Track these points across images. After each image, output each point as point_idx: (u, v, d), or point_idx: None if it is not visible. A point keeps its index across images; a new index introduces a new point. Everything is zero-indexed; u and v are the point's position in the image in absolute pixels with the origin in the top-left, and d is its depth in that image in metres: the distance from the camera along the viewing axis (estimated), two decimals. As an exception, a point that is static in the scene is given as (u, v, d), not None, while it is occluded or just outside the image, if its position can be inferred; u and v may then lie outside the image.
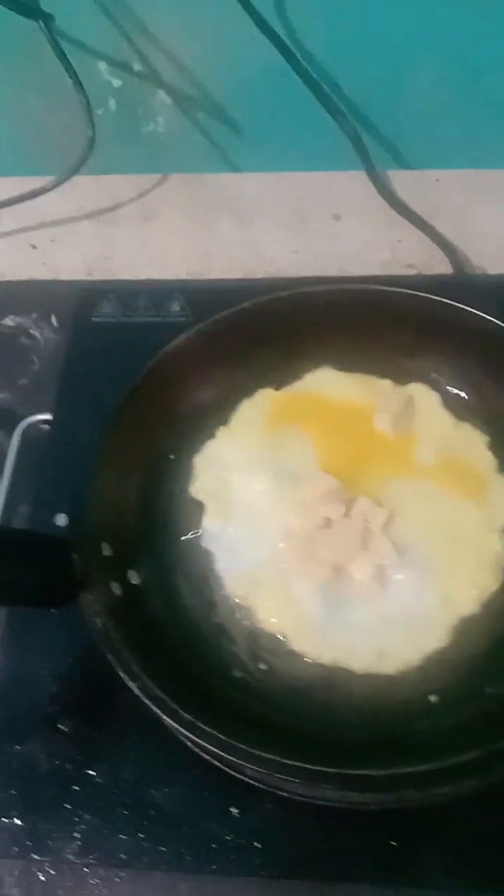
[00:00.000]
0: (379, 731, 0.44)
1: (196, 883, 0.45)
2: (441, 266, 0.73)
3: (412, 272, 0.74)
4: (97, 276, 0.76)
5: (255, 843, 0.45)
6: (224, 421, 0.55)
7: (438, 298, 0.53)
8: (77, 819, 0.46)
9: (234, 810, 0.46)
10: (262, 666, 0.47)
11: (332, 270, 0.75)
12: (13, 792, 0.47)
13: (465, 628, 0.47)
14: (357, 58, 0.75)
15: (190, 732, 0.40)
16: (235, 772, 0.45)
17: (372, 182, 0.78)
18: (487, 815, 0.44)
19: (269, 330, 0.55)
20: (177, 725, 0.40)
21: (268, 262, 0.77)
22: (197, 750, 0.46)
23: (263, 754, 0.39)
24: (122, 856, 0.45)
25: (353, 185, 0.79)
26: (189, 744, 0.46)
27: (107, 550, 0.47)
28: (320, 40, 0.74)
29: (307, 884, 0.44)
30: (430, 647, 0.46)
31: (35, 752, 0.48)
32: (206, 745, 0.40)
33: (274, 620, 0.48)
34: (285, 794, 0.45)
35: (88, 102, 0.74)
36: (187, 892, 0.45)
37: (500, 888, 0.43)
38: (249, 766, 0.39)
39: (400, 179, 0.80)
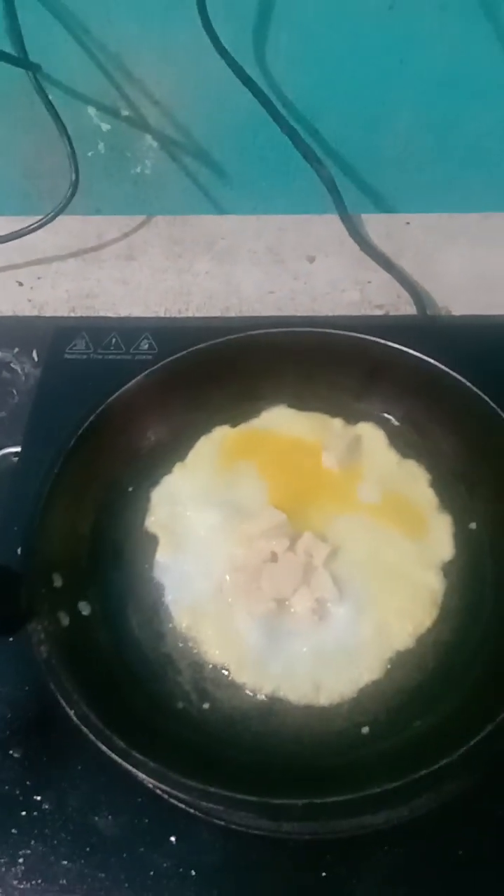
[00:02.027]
0: (311, 761, 0.45)
1: (132, 907, 0.46)
2: (407, 307, 0.76)
3: (380, 313, 0.76)
4: (79, 313, 0.79)
5: (192, 871, 0.46)
6: (181, 457, 0.58)
7: (384, 341, 0.55)
8: (22, 844, 0.47)
9: (172, 838, 0.47)
10: (205, 696, 0.48)
11: (305, 310, 0.78)
12: (-40, 816, 0.48)
13: (399, 662, 0.49)
14: (333, 107, 0.78)
15: (124, 760, 0.42)
16: (175, 800, 0.46)
17: (344, 225, 0.81)
18: (413, 847, 0.45)
19: (225, 370, 0.58)
20: (112, 754, 0.42)
21: (244, 301, 0.80)
22: (139, 778, 0.47)
23: (191, 782, 0.40)
24: (63, 881, 0.46)
25: (327, 227, 0.82)
26: (132, 772, 0.47)
27: (58, 581, 0.49)
28: (298, 90, 0.77)
29: (238, 912, 0.45)
30: (365, 679, 0.48)
31: (-15, 777, 0.49)
32: (140, 774, 0.42)
33: (217, 652, 0.49)
34: (222, 823, 0.46)
35: (72, 147, 0.78)
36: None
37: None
38: (179, 793, 0.41)
39: (372, 223, 0.83)
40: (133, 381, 0.54)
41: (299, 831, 0.45)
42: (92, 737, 0.42)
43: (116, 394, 0.54)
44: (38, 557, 0.48)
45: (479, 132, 0.79)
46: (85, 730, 0.43)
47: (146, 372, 0.55)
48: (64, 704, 0.44)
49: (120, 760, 0.42)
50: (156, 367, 0.55)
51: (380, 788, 0.40)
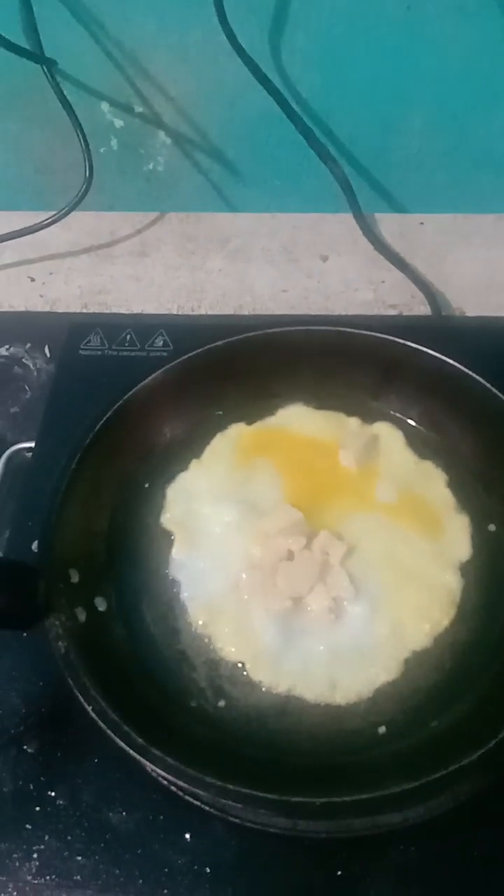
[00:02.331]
0: (327, 760, 0.45)
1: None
2: (421, 307, 0.76)
3: (393, 312, 0.76)
4: (92, 310, 0.79)
5: (206, 869, 0.46)
6: (197, 453, 0.57)
7: (401, 341, 0.55)
8: (37, 839, 0.47)
9: (187, 835, 0.47)
10: (220, 693, 0.48)
11: (318, 309, 0.78)
12: (-27, 811, 0.48)
13: (415, 662, 0.48)
14: (348, 106, 0.78)
15: (142, 756, 0.42)
16: (190, 797, 0.46)
17: (358, 224, 0.81)
18: (429, 845, 0.45)
19: (242, 367, 0.57)
20: (130, 749, 0.42)
21: (258, 299, 0.80)
22: (154, 774, 0.47)
23: (209, 779, 0.40)
24: (78, 877, 0.46)
25: (340, 227, 0.82)
26: (147, 768, 0.47)
27: (75, 577, 0.49)
28: (313, 90, 0.77)
29: (253, 909, 0.45)
30: (382, 679, 0.48)
31: (0, 773, 0.49)
32: (158, 770, 0.42)
33: (233, 649, 0.49)
34: (237, 821, 0.46)
35: (87, 143, 0.78)
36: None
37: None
38: (197, 790, 0.41)
39: (385, 222, 0.83)
40: (150, 377, 0.54)
41: (315, 829, 0.45)
42: (109, 732, 0.42)
43: (133, 390, 0.54)
44: (56, 553, 0.48)
45: (494, 133, 0.79)
46: (102, 725, 0.42)
47: (163, 368, 0.55)
48: (81, 700, 0.44)
49: (137, 756, 0.42)
50: (173, 363, 0.55)
51: (398, 788, 0.39)
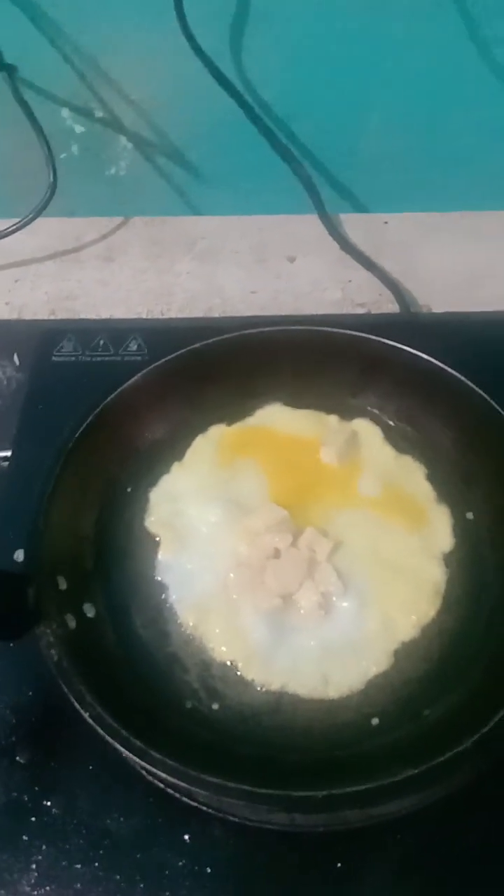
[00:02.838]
0: (323, 754, 0.46)
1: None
2: (389, 305, 0.77)
3: (362, 311, 0.77)
4: (60, 316, 0.78)
5: (207, 869, 0.46)
6: (179, 456, 0.58)
7: (377, 338, 0.56)
8: (34, 850, 0.47)
9: (186, 837, 0.47)
10: (214, 693, 0.49)
11: (288, 309, 0.78)
12: (-31, 825, 0.48)
13: (405, 653, 0.49)
14: (310, 108, 0.79)
15: (141, 759, 0.42)
16: (187, 798, 0.47)
17: (324, 225, 0.82)
18: (425, 835, 0.46)
19: (221, 369, 0.58)
20: (129, 753, 0.42)
21: (227, 301, 0.80)
22: (150, 778, 0.47)
23: (210, 778, 0.40)
24: (78, 885, 0.46)
25: (307, 227, 0.83)
26: (143, 772, 0.47)
27: (62, 584, 0.49)
28: (275, 92, 0.78)
29: (255, 906, 0.45)
30: (373, 671, 0.48)
31: (-8, 785, 0.49)
32: (157, 771, 0.42)
33: (224, 649, 0.50)
34: (235, 820, 0.46)
35: (50, 149, 0.77)
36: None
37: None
38: (198, 790, 0.41)
39: (351, 222, 0.84)
40: (130, 380, 0.54)
41: (312, 824, 0.46)
42: (108, 738, 0.42)
43: (114, 394, 0.54)
44: (43, 560, 0.48)
45: (454, 133, 0.80)
46: (100, 731, 0.42)
47: (143, 372, 0.55)
48: (77, 706, 0.43)
49: (137, 759, 0.42)
50: (152, 366, 0.55)
51: (398, 777, 0.40)
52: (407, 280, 0.79)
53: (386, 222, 0.85)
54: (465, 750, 0.41)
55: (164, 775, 0.42)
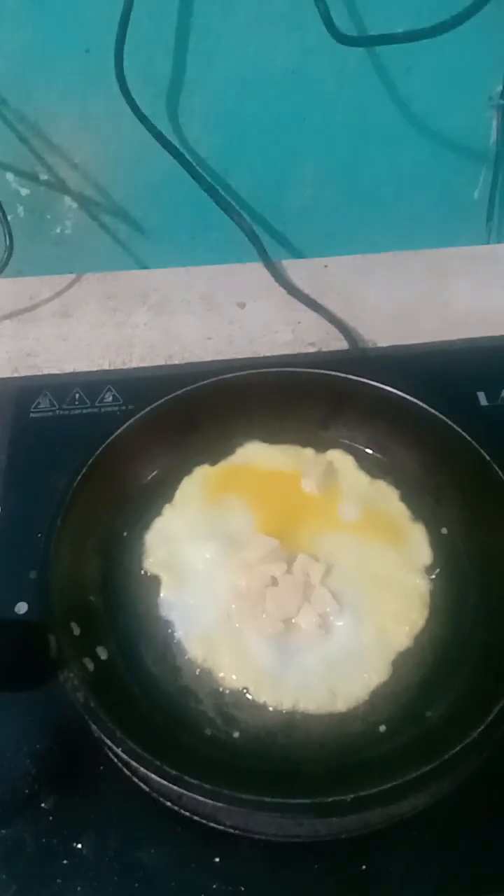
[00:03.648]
0: (339, 763, 0.49)
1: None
2: (337, 342, 0.82)
3: (312, 349, 0.82)
4: (23, 373, 0.80)
5: (240, 887, 0.48)
6: (169, 498, 0.61)
7: (342, 375, 0.61)
8: (69, 893, 0.48)
9: (216, 859, 0.49)
10: (229, 719, 0.51)
11: (244, 352, 0.83)
12: (3, 876, 0.48)
13: (401, 662, 0.53)
14: (247, 163, 0.85)
15: (177, 786, 0.44)
16: (214, 823, 0.49)
17: (269, 272, 0.87)
18: (440, 828, 0.49)
19: (201, 412, 0.61)
20: (165, 781, 0.44)
21: (185, 348, 0.84)
22: (176, 808, 0.49)
23: (245, 796, 0.43)
24: (116, 920, 0.47)
25: (253, 275, 0.88)
26: (168, 803, 0.49)
27: (76, 630, 0.51)
28: (213, 148, 0.83)
29: (291, 917, 0.48)
30: (375, 681, 0.52)
31: (21, 833, 0.49)
32: (192, 795, 0.44)
33: (234, 677, 0.52)
34: (262, 837, 0.49)
35: (4, 212, 0.80)
36: (182, 943, 0.48)
37: (460, 888, 0.48)
38: (235, 808, 0.43)
39: (293, 267, 0.90)
40: (118, 430, 0.57)
41: (335, 832, 0.49)
42: (143, 770, 0.44)
43: (104, 445, 0.56)
44: (57, 607, 0.50)
45: (379, 178, 0.87)
46: (136, 764, 0.44)
47: (129, 422, 0.58)
48: (109, 744, 0.45)
49: (173, 786, 0.44)
50: (138, 416, 0.58)
51: (416, 773, 0.44)
52: (350, 318, 0.85)
53: (326, 266, 0.91)
54: (473, 741, 0.45)
55: (196, 800, 0.45)
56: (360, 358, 0.76)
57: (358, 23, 0.74)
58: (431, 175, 0.88)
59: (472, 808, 0.50)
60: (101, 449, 0.55)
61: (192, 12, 0.73)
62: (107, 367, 0.81)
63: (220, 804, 0.43)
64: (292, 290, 0.87)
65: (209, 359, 0.82)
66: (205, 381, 0.59)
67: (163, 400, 0.58)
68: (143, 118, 0.77)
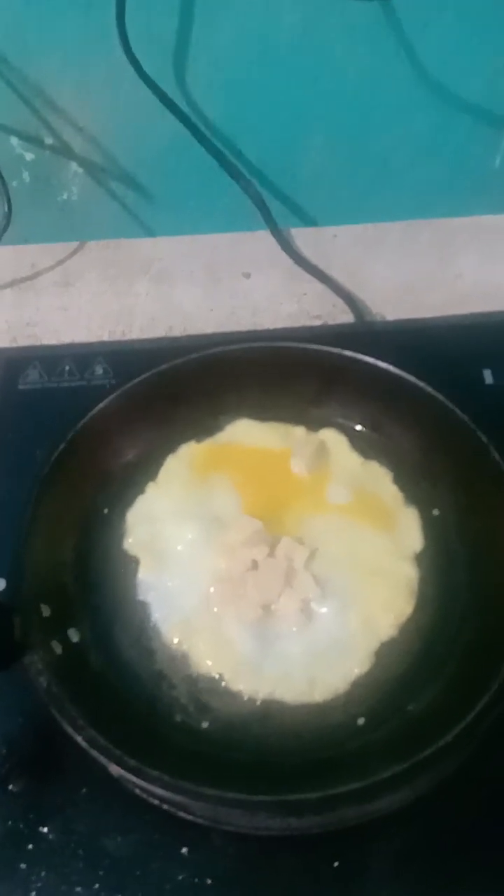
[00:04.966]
0: (314, 756, 0.47)
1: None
2: (343, 315, 0.79)
3: (318, 322, 0.79)
4: (21, 343, 0.79)
5: (207, 880, 0.47)
6: (153, 476, 0.59)
7: (336, 350, 0.58)
8: (34, 878, 0.47)
9: (184, 850, 0.47)
10: (202, 707, 0.49)
11: (246, 324, 0.80)
12: (-33, 858, 0.48)
13: (385, 652, 0.51)
14: (255, 127, 0.81)
15: (136, 777, 0.42)
16: (184, 812, 0.47)
17: (276, 240, 0.84)
18: (418, 827, 0.47)
19: (187, 388, 0.59)
20: (124, 772, 0.42)
21: (186, 319, 0.81)
22: (145, 795, 0.48)
23: (206, 790, 0.41)
24: (80, 907, 0.46)
25: (259, 244, 0.85)
26: (137, 790, 0.48)
27: (46, 611, 0.49)
28: (220, 112, 0.80)
29: (258, 912, 0.46)
30: (356, 672, 0.50)
31: (-13, 816, 0.49)
32: (153, 788, 0.42)
33: (210, 662, 0.50)
34: (232, 829, 0.47)
35: (3, 180, 0.78)
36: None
37: (435, 890, 0.46)
38: (194, 802, 0.42)
39: (301, 237, 0.87)
40: (99, 405, 0.55)
41: (308, 826, 0.47)
42: (102, 758, 0.43)
43: (84, 419, 0.55)
44: (26, 589, 0.48)
45: (391, 146, 0.83)
46: (94, 752, 0.43)
47: (111, 396, 0.56)
48: (70, 730, 0.44)
49: (133, 777, 0.42)
50: (119, 390, 0.56)
51: (389, 773, 0.42)
52: (358, 290, 0.82)
53: (335, 235, 0.87)
54: (451, 740, 0.42)
55: (160, 791, 0.43)
56: (364, 332, 0.73)
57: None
58: (449, 141, 0.84)
59: (453, 806, 0.48)
60: (79, 425, 0.54)
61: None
62: (106, 338, 0.79)
63: (177, 798, 0.41)
64: (299, 260, 0.84)
65: (210, 331, 0.80)
66: (190, 356, 0.57)
67: (144, 376, 0.56)
68: (147, 80, 0.74)
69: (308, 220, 0.88)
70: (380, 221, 0.87)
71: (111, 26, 0.70)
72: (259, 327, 0.79)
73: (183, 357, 0.57)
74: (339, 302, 0.80)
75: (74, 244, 0.88)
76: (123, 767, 0.42)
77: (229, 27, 0.73)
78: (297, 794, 0.41)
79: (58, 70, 0.76)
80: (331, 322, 0.80)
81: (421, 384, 0.55)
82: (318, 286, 0.82)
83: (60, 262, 0.87)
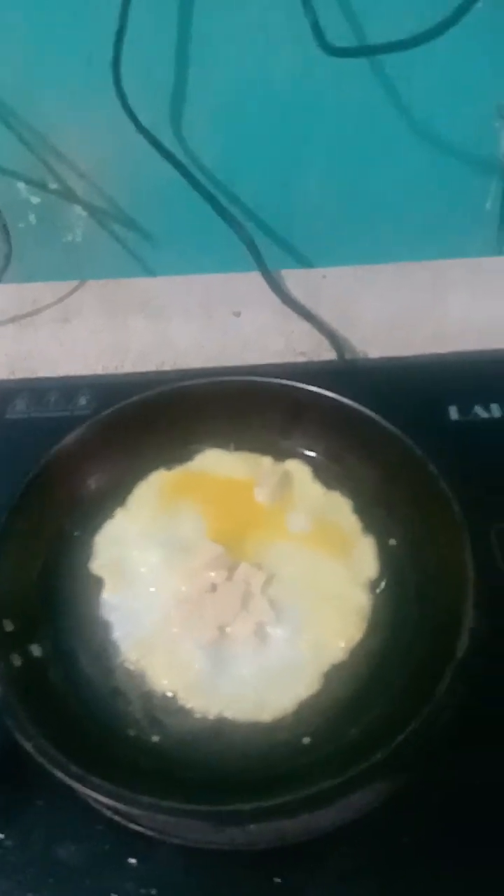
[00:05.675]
0: (258, 774, 0.48)
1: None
2: (328, 353, 0.82)
3: (303, 359, 0.82)
4: (19, 375, 0.83)
5: (153, 890, 0.48)
6: (122, 502, 0.61)
7: (302, 385, 0.61)
8: (-13, 883, 0.49)
9: (132, 860, 0.49)
10: (155, 723, 0.51)
11: (235, 360, 0.83)
12: None
13: (334, 675, 0.52)
14: (248, 172, 0.85)
15: (81, 784, 0.44)
16: (133, 823, 0.49)
17: (266, 281, 0.87)
18: (360, 847, 0.49)
19: (159, 419, 0.62)
20: (68, 778, 0.44)
21: (179, 354, 0.85)
22: (98, 807, 0.50)
23: (143, 798, 0.43)
24: (30, 913, 0.48)
25: (250, 284, 0.88)
26: (90, 801, 0.50)
27: (9, 626, 0.52)
28: (214, 159, 0.84)
29: (200, 924, 0.48)
30: (304, 694, 0.51)
31: None
32: (98, 797, 0.44)
33: (165, 681, 0.52)
34: (179, 842, 0.49)
35: (4, 221, 0.83)
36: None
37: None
38: (134, 810, 0.44)
39: (291, 277, 0.90)
40: (69, 435, 0.58)
41: (252, 842, 0.49)
42: (48, 765, 0.45)
43: (56, 447, 0.58)
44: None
45: (384, 188, 0.86)
46: (41, 760, 0.45)
47: (84, 425, 0.59)
48: (22, 739, 0.46)
49: (76, 785, 0.44)
50: (93, 419, 0.59)
51: (320, 787, 0.43)
52: (344, 329, 0.85)
53: (324, 276, 0.91)
54: (379, 760, 0.44)
55: (105, 800, 0.45)
56: (339, 369, 0.75)
57: (354, 32, 0.73)
58: (439, 185, 0.87)
59: (395, 827, 0.49)
60: (52, 451, 0.57)
61: (191, 23, 0.74)
62: (100, 372, 0.83)
63: (120, 806, 0.43)
64: (288, 300, 0.87)
65: (199, 365, 0.83)
66: (161, 389, 0.60)
67: (118, 405, 0.59)
68: (144, 131, 0.79)
69: (299, 262, 0.92)
70: (368, 263, 0.90)
71: (109, 80, 0.75)
72: (246, 363, 0.82)
73: (154, 389, 0.60)
74: (324, 340, 0.83)
75: (75, 283, 0.92)
76: (68, 774, 0.44)
77: (221, 78, 0.78)
78: (230, 806, 0.43)
79: (61, 120, 0.81)
80: (315, 359, 0.82)
81: (377, 418, 0.58)
82: (306, 325, 0.85)
83: (61, 300, 0.91)
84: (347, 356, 0.81)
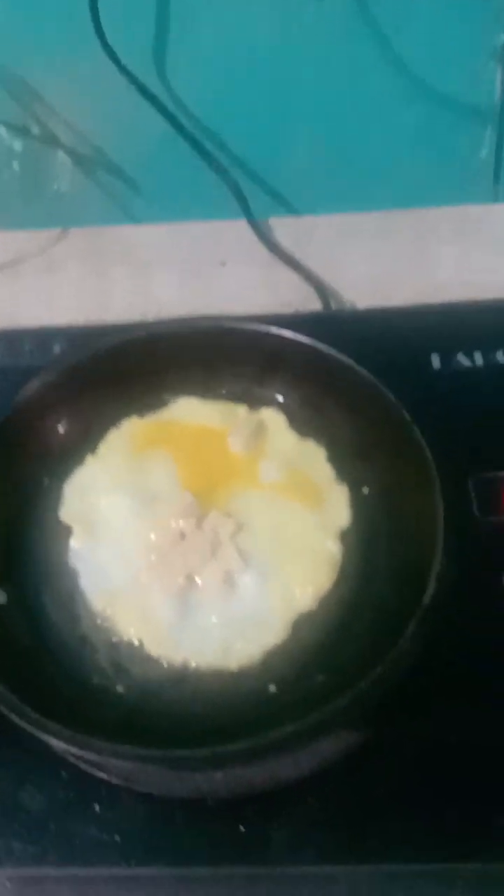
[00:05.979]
0: (222, 721, 0.48)
1: (61, 874, 0.48)
2: (315, 304, 0.80)
3: (289, 310, 0.80)
4: (1, 326, 0.81)
5: (115, 837, 0.48)
6: (93, 449, 0.60)
7: (277, 331, 0.59)
8: None
9: (96, 807, 0.49)
10: (120, 671, 0.51)
11: (219, 311, 0.81)
12: None
13: (303, 623, 0.51)
14: (234, 119, 0.82)
15: (39, 729, 0.44)
16: (96, 769, 0.49)
17: (253, 230, 0.85)
18: (324, 797, 0.48)
19: (132, 366, 0.61)
20: (25, 723, 0.44)
21: (162, 305, 0.83)
22: (64, 755, 0.50)
23: (100, 743, 0.43)
24: (-6, 855, 0.48)
25: (236, 233, 0.86)
26: (56, 749, 0.50)
27: (-27, 574, 0.51)
28: (200, 105, 0.81)
29: (162, 870, 0.48)
30: (271, 642, 0.51)
31: None
32: (52, 740, 0.44)
33: (132, 629, 0.52)
34: (142, 790, 0.49)
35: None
36: (53, 882, 0.48)
37: (337, 858, 0.47)
38: (91, 754, 0.43)
39: (278, 226, 0.88)
40: (35, 379, 0.57)
41: (215, 790, 0.48)
42: (7, 711, 0.45)
43: (25, 392, 0.56)
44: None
45: (371, 137, 0.84)
46: (1, 707, 0.45)
47: (51, 370, 0.58)
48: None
49: (33, 730, 0.44)
50: (60, 365, 0.58)
51: (278, 734, 0.42)
52: (331, 279, 0.82)
53: (313, 225, 0.88)
54: (341, 706, 0.43)
55: (61, 745, 0.45)
56: (322, 318, 0.74)
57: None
58: (432, 134, 0.84)
59: (359, 777, 0.49)
60: (20, 397, 0.56)
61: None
62: (82, 323, 0.81)
63: (77, 752, 0.43)
64: (275, 249, 0.85)
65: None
66: (133, 335, 0.58)
67: (90, 352, 0.57)
68: (127, 74, 0.76)
69: (286, 209, 0.89)
70: (356, 211, 0.88)
71: (88, 21, 0.72)
72: (230, 313, 0.80)
73: (126, 334, 0.59)
74: (312, 291, 0.81)
75: (58, 231, 0.90)
76: (26, 721, 0.44)
77: (208, 20, 0.75)
78: (185, 750, 0.42)
79: (42, 65, 0.79)
80: (302, 310, 0.80)
81: (354, 366, 0.56)
82: (293, 275, 0.83)
83: (43, 249, 0.89)
84: (335, 307, 0.79)
